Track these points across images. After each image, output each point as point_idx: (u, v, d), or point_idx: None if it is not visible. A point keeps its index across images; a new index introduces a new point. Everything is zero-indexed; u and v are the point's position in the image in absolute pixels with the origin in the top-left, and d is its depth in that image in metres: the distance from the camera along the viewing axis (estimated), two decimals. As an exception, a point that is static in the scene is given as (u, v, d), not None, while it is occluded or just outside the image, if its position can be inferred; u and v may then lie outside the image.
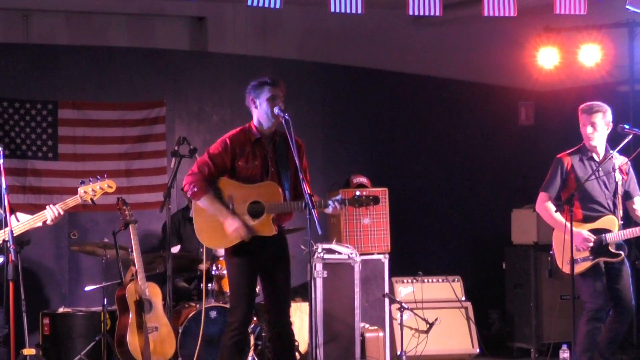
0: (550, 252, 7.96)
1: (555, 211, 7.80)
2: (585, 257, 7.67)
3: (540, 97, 11.46)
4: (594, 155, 7.82)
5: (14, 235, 6.51)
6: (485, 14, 8.20)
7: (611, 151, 7.78)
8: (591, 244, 7.65)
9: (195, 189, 6.75)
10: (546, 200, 7.91)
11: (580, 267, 7.67)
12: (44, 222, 6.93)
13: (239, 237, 6.72)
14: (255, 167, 6.79)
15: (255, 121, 6.90)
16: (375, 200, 6.87)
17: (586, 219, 7.74)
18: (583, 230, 7.68)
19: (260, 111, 6.82)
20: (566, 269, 7.72)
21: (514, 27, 9.68)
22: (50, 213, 6.89)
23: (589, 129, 7.78)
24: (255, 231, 6.75)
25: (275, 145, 6.90)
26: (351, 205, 6.82)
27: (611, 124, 7.80)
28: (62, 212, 6.94)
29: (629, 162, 7.82)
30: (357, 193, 6.87)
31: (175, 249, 9.09)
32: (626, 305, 7.71)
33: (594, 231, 7.70)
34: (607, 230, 7.68)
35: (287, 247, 7.00)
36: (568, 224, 7.51)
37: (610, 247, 7.66)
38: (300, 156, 6.74)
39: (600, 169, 7.76)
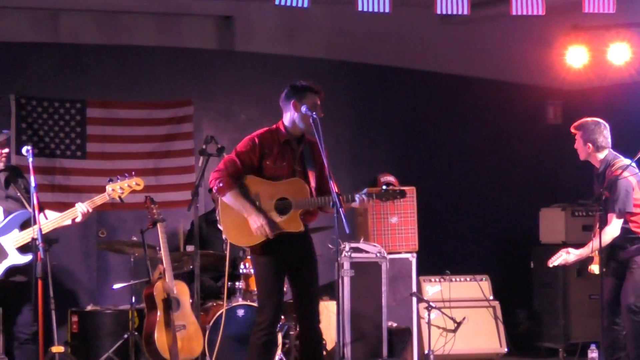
0: None
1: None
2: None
3: (569, 96, 11.40)
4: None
5: (43, 233, 6.55)
6: (514, 12, 8.17)
7: (623, 160, 7.50)
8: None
9: (221, 184, 6.74)
10: None
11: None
12: (73, 220, 6.96)
13: (264, 234, 6.69)
14: (283, 167, 6.81)
15: (288, 122, 6.91)
16: (402, 193, 6.86)
17: None
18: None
19: (299, 115, 6.83)
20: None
21: (542, 25, 9.61)
22: (80, 208, 6.92)
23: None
24: (282, 227, 6.75)
25: (302, 147, 6.93)
26: (378, 199, 6.83)
27: (597, 143, 7.51)
28: (90, 210, 6.97)
29: (613, 179, 7.39)
30: (385, 187, 6.86)
31: (190, 248, 9.09)
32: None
33: None
34: None
35: (313, 247, 6.99)
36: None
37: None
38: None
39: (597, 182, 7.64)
